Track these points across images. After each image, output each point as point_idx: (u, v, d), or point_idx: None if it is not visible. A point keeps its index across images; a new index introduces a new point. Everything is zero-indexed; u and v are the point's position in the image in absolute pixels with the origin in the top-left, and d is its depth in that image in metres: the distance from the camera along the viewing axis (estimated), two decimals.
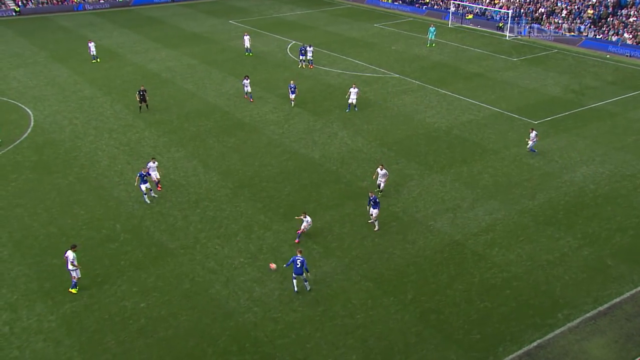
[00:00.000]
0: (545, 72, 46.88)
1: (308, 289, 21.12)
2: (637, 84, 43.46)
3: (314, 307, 20.42)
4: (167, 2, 78.97)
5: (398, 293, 21.07)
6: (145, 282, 21.76)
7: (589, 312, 19.99)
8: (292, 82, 39.35)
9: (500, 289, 21.19)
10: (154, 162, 28.07)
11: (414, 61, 49.92)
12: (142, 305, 20.53)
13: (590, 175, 29.36)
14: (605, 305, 20.27)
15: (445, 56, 51.65)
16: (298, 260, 20.61)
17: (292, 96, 38.69)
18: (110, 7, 75.48)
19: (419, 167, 30.47)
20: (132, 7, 75.91)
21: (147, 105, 38.22)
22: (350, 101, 37.72)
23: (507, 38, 58.23)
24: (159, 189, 28.07)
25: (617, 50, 52.10)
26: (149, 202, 26.85)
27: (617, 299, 20.57)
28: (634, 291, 20.98)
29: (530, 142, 31.88)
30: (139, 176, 26.76)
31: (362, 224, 25.28)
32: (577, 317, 19.73)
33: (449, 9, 65.76)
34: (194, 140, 34.03)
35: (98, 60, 50.11)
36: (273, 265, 21.67)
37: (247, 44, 52.30)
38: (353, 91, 37.54)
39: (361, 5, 77.23)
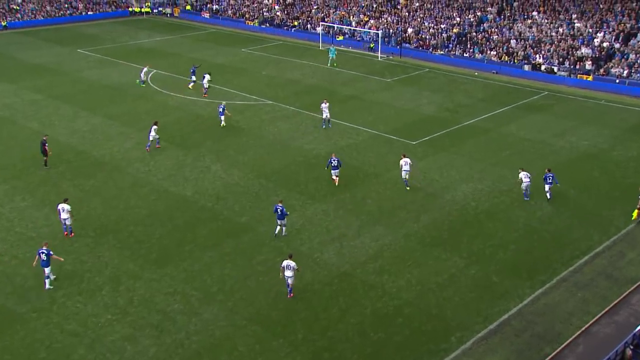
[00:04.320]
0: (419, 91, 49.94)
1: (284, 233, 26.97)
2: (505, 100, 47.59)
3: None
4: None
5: (288, 334, 21.06)
6: None
7: (480, 332, 21.23)
8: (223, 103, 41.42)
9: (392, 318, 21.91)
10: (66, 204, 26.87)
11: (287, 86, 51.00)
12: None
13: (470, 193, 31.48)
14: (495, 323, 21.64)
15: (318, 79, 53.32)
16: (279, 209, 26.45)
17: (222, 117, 40.37)
18: None
19: (300, 197, 30.94)
20: None
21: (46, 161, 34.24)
22: (324, 117, 40.30)
23: (379, 59, 61.42)
24: (70, 235, 26.88)
25: (483, 67, 56.86)
26: (51, 287, 23.38)
27: (505, 316, 22.05)
28: (520, 306, 22.62)
29: (524, 184, 30.23)
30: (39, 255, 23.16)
31: (245, 264, 25.10)
32: (470, 338, 20.88)
33: (319, 31, 68.19)
34: (43, 185, 32.05)
35: None
36: None
37: (142, 75, 50.76)
38: (324, 106, 40.16)
39: (225, 29, 77.84)
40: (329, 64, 57.64)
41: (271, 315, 21.99)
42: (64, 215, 26.89)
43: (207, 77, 47.71)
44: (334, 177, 32.01)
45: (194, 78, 49.64)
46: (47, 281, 23.32)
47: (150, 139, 36.72)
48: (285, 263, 22.82)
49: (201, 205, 30.07)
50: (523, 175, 30.49)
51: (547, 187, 30.12)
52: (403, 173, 31.52)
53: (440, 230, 27.82)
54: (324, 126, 40.56)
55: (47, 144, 34.15)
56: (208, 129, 40.43)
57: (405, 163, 31.52)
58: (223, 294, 23.14)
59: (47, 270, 23.21)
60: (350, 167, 34.45)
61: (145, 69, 51.31)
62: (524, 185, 30.41)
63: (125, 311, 22.14)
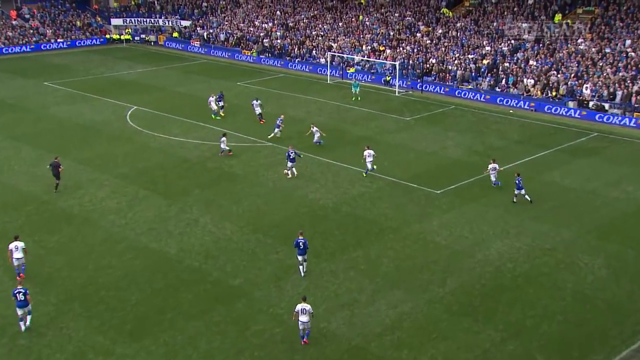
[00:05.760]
0: (444, 131, 50.20)
1: (302, 274, 28.38)
2: (546, 142, 47.71)
3: None
4: None
5: None
6: None
7: None
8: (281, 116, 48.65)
9: None
10: (19, 241, 27.92)
11: (289, 125, 51.27)
12: None
13: (506, 252, 31.16)
14: None
15: (326, 117, 53.76)
16: (300, 242, 27.91)
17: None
18: None
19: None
20: None
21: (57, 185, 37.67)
22: (315, 141, 45.66)
23: (397, 94, 62.03)
24: (19, 277, 27.47)
25: (519, 103, 57.14)
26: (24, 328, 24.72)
27: None
28: None
29: (491, 175, 37.91)
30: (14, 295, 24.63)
31: (237, 335, 24.73)
32: None
33: (326, 61, 69.11)
34: None
35: None
36: None
37: (212, 105, 52.82)
38: (314, 130, 45.77)
39: (218, 59, 79.13)
40: (353, 99, 59.68)
41: None
42: (17, 255, 27.69)
43: (256, 102, 52.01)
44: (286, 171, 38.90)
45: (221, 104, 53.61)
46: (21, 323, 24.52)
47: (223, 147, 43.14)
48: (299, 307, 23.60)
49: (187, 265, 29.88)
50: (491, 167, 37.85)
51: (519, 192, 35.84)
52: (367, 164, 38.94)
53: (471, 296, 27.42)
54: (321, 142, 45.88)
55: (61, 167, 37.45)
56: (196, 174, 40.56)
57: (368, 155, 38.91)
58: None
59: (20, 312, 24.39)
60: (363, 220, 34.30)
61: (211, 99, 53.05)
62: (491, 175, 37.86)
63: None
